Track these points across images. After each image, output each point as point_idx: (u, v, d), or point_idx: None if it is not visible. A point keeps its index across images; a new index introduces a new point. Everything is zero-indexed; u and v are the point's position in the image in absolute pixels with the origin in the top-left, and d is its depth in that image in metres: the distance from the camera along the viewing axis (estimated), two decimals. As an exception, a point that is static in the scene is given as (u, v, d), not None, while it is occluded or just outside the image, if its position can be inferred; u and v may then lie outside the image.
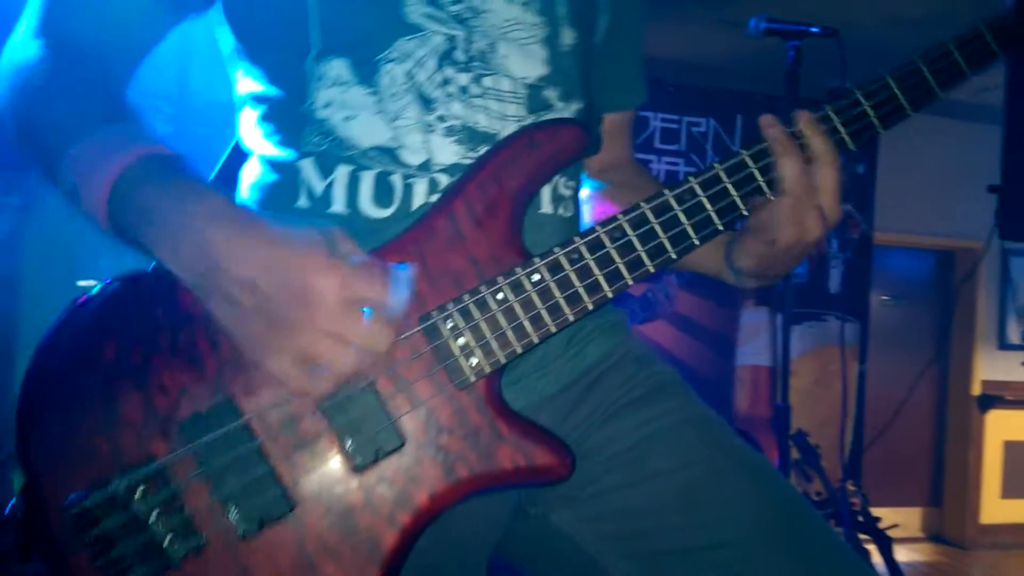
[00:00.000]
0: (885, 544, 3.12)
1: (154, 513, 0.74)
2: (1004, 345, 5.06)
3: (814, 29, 2.05)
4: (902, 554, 4.16)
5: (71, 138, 0.77)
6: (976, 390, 5.07)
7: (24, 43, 0.84)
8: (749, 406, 4.05)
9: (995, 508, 5.06)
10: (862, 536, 3.10)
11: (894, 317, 5.11)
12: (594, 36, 1.00)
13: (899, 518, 4.95)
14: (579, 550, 0.92)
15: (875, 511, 3.31)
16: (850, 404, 3.98)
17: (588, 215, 1.09)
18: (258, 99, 0.93)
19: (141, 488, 0.74)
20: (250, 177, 0.94)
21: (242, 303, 0.70)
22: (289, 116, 0.89)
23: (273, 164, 0.91)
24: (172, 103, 3.05)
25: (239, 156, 0.97)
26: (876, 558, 3.08)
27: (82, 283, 0.83)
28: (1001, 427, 5.01)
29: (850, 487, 3.56)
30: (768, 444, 3.40)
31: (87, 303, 0.79)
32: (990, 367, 5.06)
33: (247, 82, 0.94)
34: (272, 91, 0.91)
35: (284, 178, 0.89)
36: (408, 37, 0.87)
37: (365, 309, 0.72)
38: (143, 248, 0.75)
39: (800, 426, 3.28)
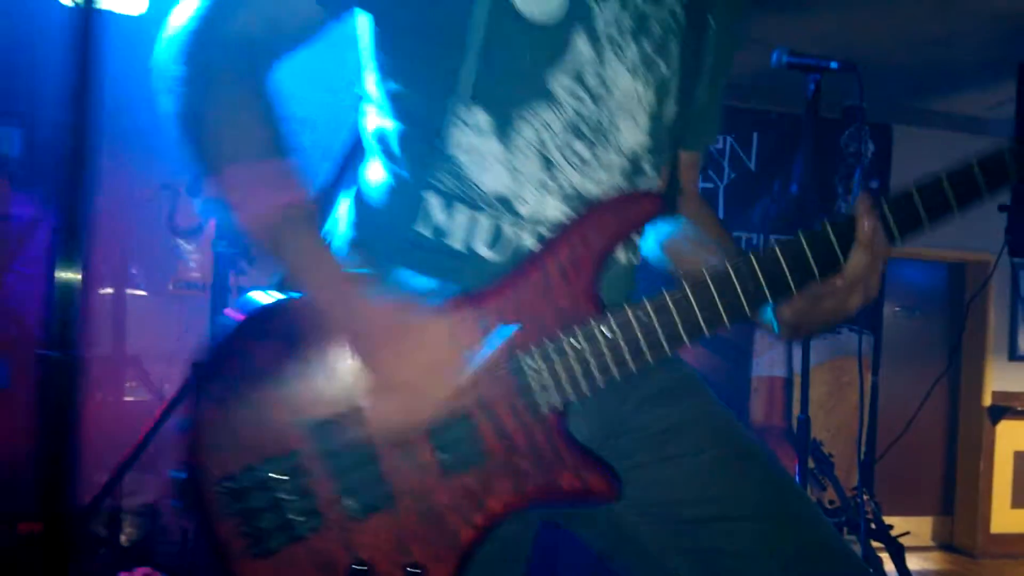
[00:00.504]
0: (897, 552, 3.20)
1: (288, 496, 0.89)
2: (1015, 357, 5.11)
3: (833, 65, 2.16)
4: (914, 562, 4.23)
5: (232, 157, 0.90)
6: (987, 401, 5.12)
7: (190, 50, 0.92)
8: (764, 416, 4.14)
9: (1005, 517, 5.10)
10: (875, 544, 3.18)
11: (907, 329, 5.17)
12: (692, 106, 1.10)
13: (911, 527, 5.00)
14: (608, 510, 1.04)
15: (888, 519, 3.39)
16: (864, 415, 4.06)
17: (662, 254, 1.20)
18: (393, 114, 1.01)
19: (280, 475, 0.90)
20: (373, 182, 1.04)
21: (374, 355, 0.87)
22: (422, 144, 0.98)
23: (398, 181, 1.01)
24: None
25: (360, 150, 1.08)
26: (888, 566, 3.16)
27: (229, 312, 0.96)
28: (1012, 438, 5.07)
29: (863, 496, 3.64)
30: (783, 454, 3.48)
31: (248, 321, 0.93)
32: (1001, 378, 5.11)
33: (383, 93, 1.01)
34: (410, 114, 0.99)
35: (407, 200, 0.99)
36: (547, 105, 0.97)
37: (470, 353, 0.87)
38: (291, 278, 0.92)
39: (814, 436, 3.36)
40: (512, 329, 0.91)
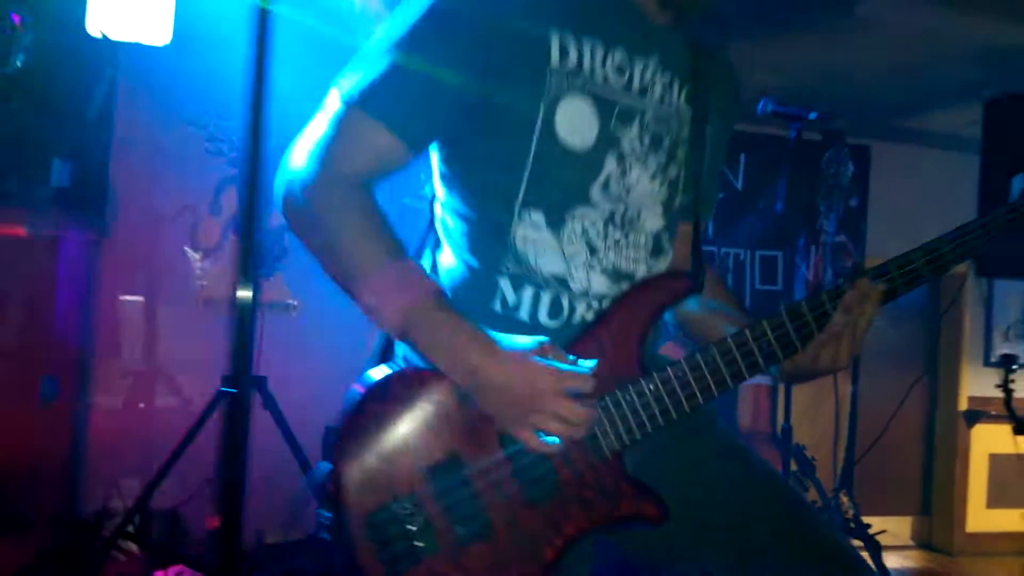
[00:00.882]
0: (875, 549, 3.42)
1: (413, 527, 1.11)
2: (989, 363, 5.30)
3: (812, 115, 2.40)
4: (893, 560, 4.43)
5: (368, 268, 1.12)
6: (963, 405, 5.30)
7: (316, 192, 1.16)
8: (751, 422, 4.35)
9: (981, 517, 5.29)
10: (855, 541, 3.39)
11: (885, 337, 5.37)
12: (698, 191, 1.35)
13: (890, 526, 5.18)
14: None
15: (868, 519, 3.60)
16: (842, 421, 4.27)
17: (681, 319, 1.43)
18: (463, 217, 1.26)
19: (407, 510, 1.12)
20: (449, 268, 1.26)
21: (495, 397, 1.09)
22: (491, 240, 1.23)
23: (472, 270, 1.25)
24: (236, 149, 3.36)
25: (435, 239, 1.30)
26: (868, 563, 3.37)
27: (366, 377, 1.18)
28: (987, 440, 5.27)
29: (843, 497, 3.85)
30: (769, 457, 3.69)
31: (368, 392, 1.15)
32: (976, 383, 5.28)
33: (454, 199, 1.26)
34: (480, 217, 1.24)
35: (482, 284, 1.24)
36: (587, 206, 1.22)
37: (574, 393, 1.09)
38: (421, 354, 1.14)
39: (798, 441, 3.57)
40: (592, 364, 1.12)
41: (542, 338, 1.12)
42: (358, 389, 1.16)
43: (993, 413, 5.19)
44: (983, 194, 2.76)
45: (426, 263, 1.32)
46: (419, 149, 1.22)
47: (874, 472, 4.86)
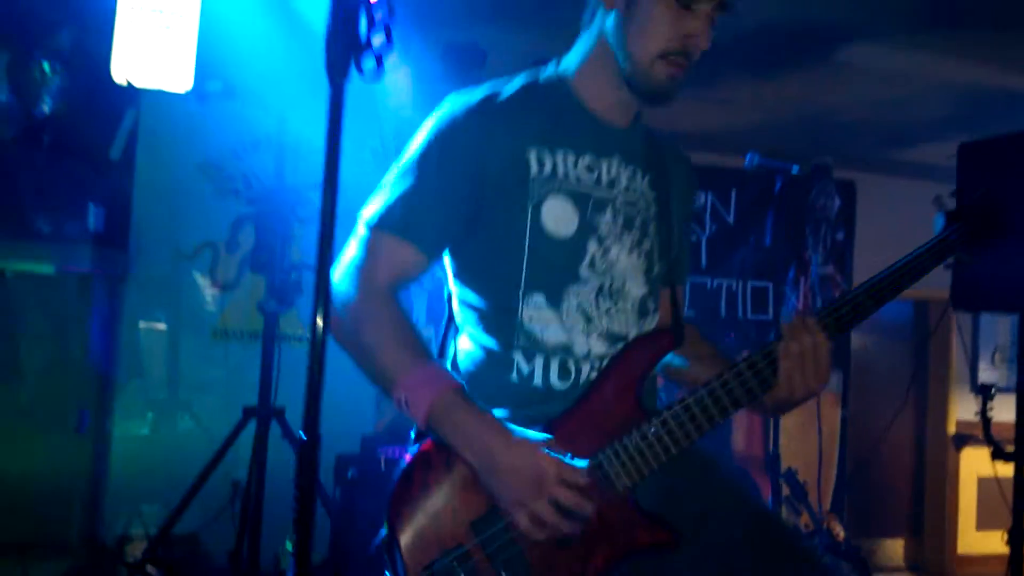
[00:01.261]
0: (864, 571, 3.55)
1: (465, 574, 1.28)
2: (975, 388, 5.42)
3: (795, 170, 2.60)
4: (884, 582, 4.53)
5: (399, 370, 1.32)
6: (951, 429, 5.43)
7: (353, 303, 1.37)
8: (745, 446, 4.48)
9: (971, 539, 5.39)
10: (845, 563, 3.52)
11: (875, 363, 5.51)
12: (671, 257, 1.56)
13: (883, 548, 5.30)
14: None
15: (862, 541, 3.70)
16: (831, 446, 4.40)
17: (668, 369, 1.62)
18: (477, 307, 1.46)
19: (456, 562, 1.28)
20: (468, 352, 1.48)
21: (505, 481, 1.27)
22: (502, 323, 1.43)
23: (489, 350, 1.44)
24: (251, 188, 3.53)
25: (455, 328, 1.51)
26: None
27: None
28: (975, 464, 5.36)
29: (834, 522, 3.97)
30: (762, 481, 3.82)
31: (428, 451, 1.33)
32: (964, 407, 5.43)
33: (467, 292, 1.46)
34: (491, 305, 1.44)
35: (499, 361, 1.43)
36: (579, 283, 1.42)
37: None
38: (446, 441, 1.30)
39: (790, 465, 3.70)
40: (585, 463, 1.31)
41: (546, 435, 1.31)
42: (406, 459, 1.34)
43: (980, 437, 5.30)
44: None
45: (449, 350, 1.52)
46: (435, 256, 1.44)
47: (866, 495, 4.96)
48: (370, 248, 1.39)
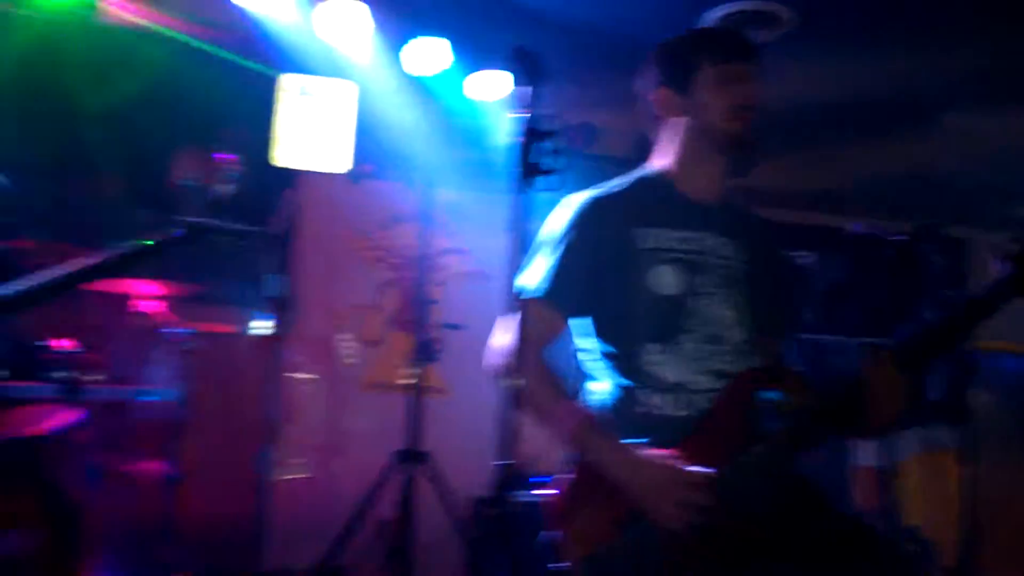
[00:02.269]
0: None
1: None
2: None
3: (895, 238, 2.75)
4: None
5: (550, 409, 1.76)
6: (1088, 492, 5.20)
7: (515, 358, 1.69)
8: (863, 501, 4.46)
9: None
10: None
11: (1003, 418, 5.34)
12: (767, 309, 1.87)
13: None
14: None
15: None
16: (954, 503, 4.33)
17: None
18: (606, 356, 1.82)
19: (607, 551, 1.65)
20: (600, 391, 1.84)
21: (644, 485, 1.64)
22: (627, 368, 1.79)
23: (619, 390, 1.80)
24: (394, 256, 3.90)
25: (583, 377, 1.89)
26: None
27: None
28: (1119, 529, 5.14)
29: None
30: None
31: (573, 474, 1.74)
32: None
33: (599, 344, 1.82)
34: (618, 354, 1.81)
35: (628, 398, 1.78)
36: (687, 332, 1.78)
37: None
38: (589, 459, 1.69)
39: (912, 522, 3.68)
40: (706, 470, 1.62)
41: (673, 453, 1.66)
42: (565, 477, 1.72)
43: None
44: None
45: (583, 394, 1.87)
46: (572, 317, 1.83)
47: (1000, 555, 4.77)
48: (527, 315, 1.69)
